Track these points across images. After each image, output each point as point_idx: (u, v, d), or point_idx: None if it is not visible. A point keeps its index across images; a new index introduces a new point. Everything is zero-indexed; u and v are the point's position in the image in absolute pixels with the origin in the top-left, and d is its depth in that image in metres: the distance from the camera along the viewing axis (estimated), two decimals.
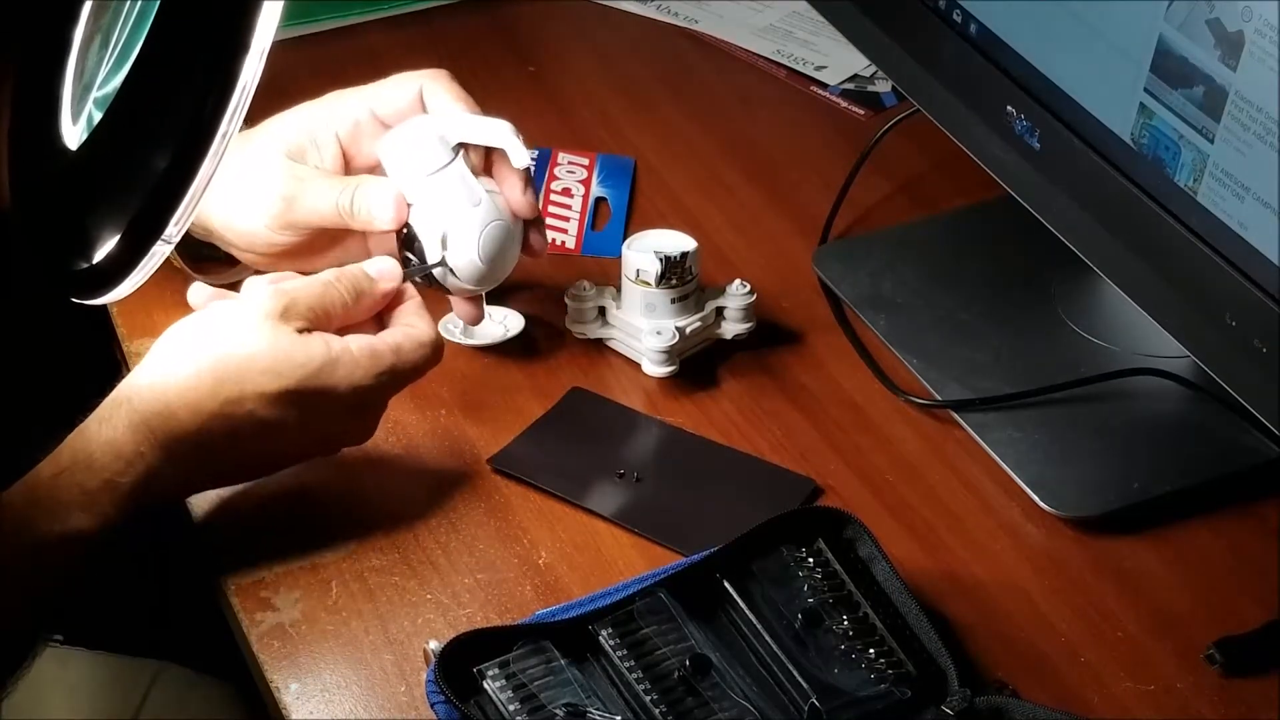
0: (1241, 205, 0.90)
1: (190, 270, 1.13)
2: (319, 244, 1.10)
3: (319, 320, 0.99)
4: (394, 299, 1.03)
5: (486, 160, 1.10)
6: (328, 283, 1.01)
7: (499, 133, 1.08)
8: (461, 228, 1.07)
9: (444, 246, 1.07)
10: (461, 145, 1.08)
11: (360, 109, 1.10)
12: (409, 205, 1.07)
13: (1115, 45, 0.96)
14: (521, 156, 1.07)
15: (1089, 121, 0.99)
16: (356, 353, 0.98)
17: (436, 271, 1.07)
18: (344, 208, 1.07)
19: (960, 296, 1.18)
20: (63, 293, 0.97)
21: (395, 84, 1.11)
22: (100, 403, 0.96)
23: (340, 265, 1.03)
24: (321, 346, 0.97)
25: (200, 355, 0.96)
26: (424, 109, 1.10)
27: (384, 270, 1.03)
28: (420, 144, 1.08)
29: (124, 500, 0.94)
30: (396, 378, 1.00)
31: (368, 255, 1.09)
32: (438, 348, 1.02)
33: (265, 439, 0.98)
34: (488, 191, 1.08)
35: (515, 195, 1.09)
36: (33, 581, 0.94)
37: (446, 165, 1.07)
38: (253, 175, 1.08)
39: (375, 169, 1.10)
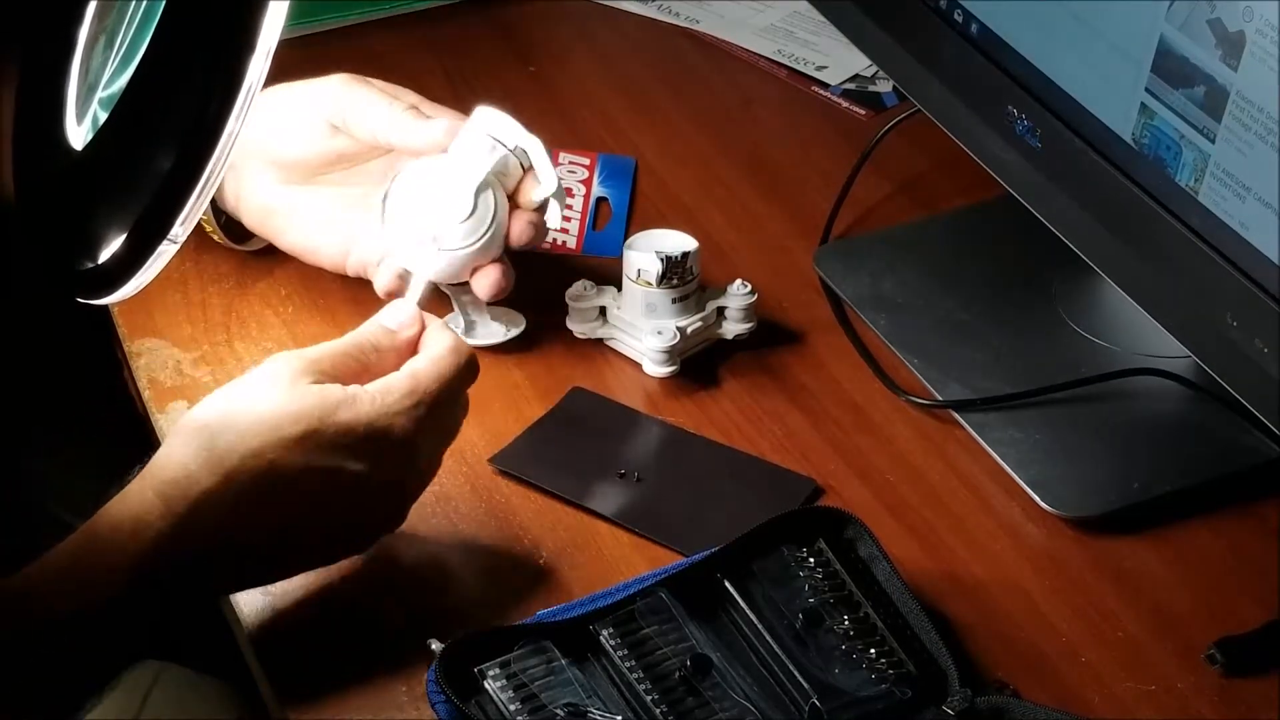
0: (1242, 205, 0.90)
1: (225, 239, 1.16)
2: (364, 154, 1.12)
3: (343, 379, 0.95)
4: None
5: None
6: (347, 343, 0.98)
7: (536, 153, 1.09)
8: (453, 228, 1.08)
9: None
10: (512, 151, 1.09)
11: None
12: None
13: (1116, 45, 0.96)
14: (549, 182, 1.09)
15: (1090, 121, 0.99)
16: (372, 389, 0.94)
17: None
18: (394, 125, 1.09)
19: (961, 296, 1.18)
20: (67, 293, 0.97)
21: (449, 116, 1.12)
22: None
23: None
24: (337, 389, 0.93)
25: (220, 422, 0.92)
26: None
27: (402, 320, 1.00)
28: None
29: (131, 572, 0.89)
30: (425, 402, 0.95)
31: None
32: (460, 352, 0.98)
33: (292, 499, 0.92)
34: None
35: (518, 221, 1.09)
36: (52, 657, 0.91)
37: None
38: (306, 91, 1.11)
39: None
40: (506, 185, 1.10)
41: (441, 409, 0.96)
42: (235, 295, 1.18)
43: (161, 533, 0.89)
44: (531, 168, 1.09)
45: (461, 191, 1.08)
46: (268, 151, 1.12)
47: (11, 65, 1.01)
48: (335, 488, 0.92)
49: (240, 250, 1.18)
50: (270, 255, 1.17)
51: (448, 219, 1.08)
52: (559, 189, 1.09)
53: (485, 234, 1.08)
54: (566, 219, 1.26)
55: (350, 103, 1.10)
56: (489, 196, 1.08)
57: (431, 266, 1.07)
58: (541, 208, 1.10)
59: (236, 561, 0.93)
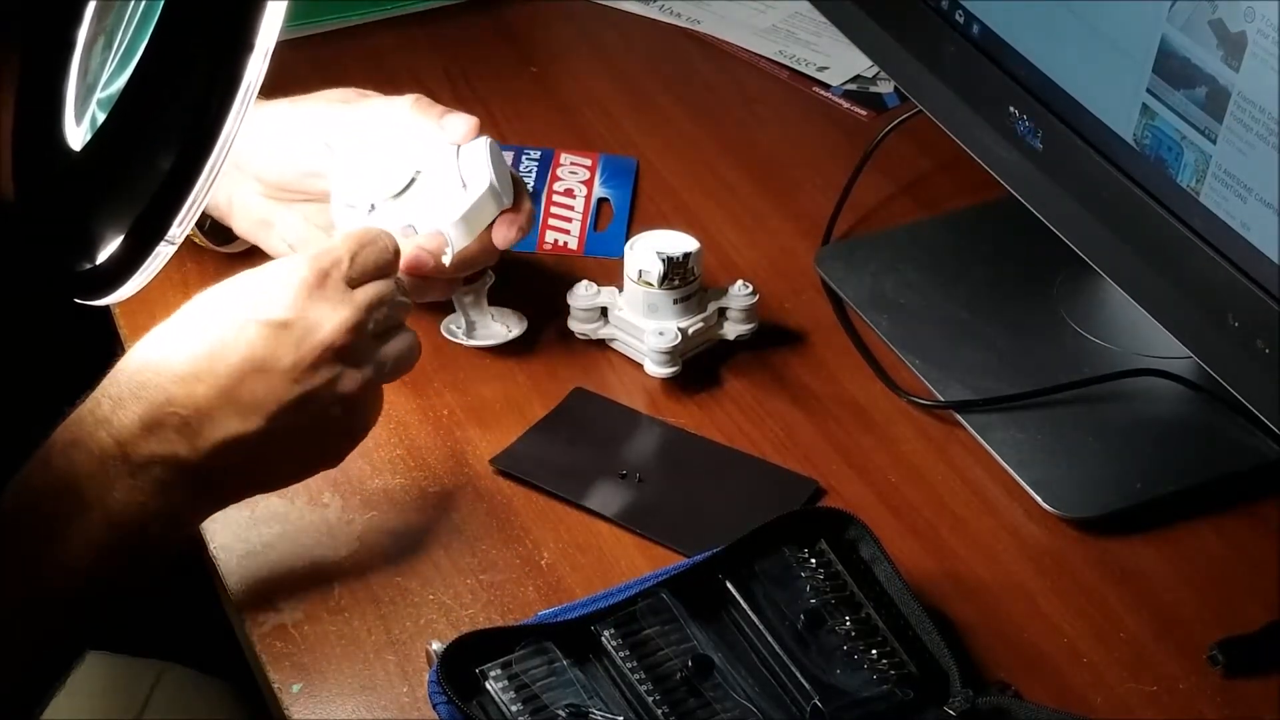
0: (1244, 206, 0.90)
1: (207, 241, 1.16)
2: None
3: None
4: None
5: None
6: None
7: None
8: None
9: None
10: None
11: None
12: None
13: (1118, 46, 0.96)
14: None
15: (1091, 122, 0.99)
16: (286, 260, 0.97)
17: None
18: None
19: (962, 297, 1.18)
20: (66, 293, 0.97)
21: (385, 104, 1.13)
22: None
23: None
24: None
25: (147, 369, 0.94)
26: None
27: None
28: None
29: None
30: (322, 264, 0.96)
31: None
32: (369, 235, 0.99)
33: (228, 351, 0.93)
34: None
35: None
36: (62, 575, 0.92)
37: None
38: (312, 110, 1.11)
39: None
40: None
41: (356, 281, 0.97)
42: None
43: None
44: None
45: (402, 162, 1.08)
46: (264, 170, 1.11)
47: (11, 65, 1.01)
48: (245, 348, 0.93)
49: (222, 252, 1.18)
50: (264, 256, 1.17)
51: (384, 186, 1.08)
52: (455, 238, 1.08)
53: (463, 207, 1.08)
54: (568, 219, 1.26)
55: (347, 122, 1.10)
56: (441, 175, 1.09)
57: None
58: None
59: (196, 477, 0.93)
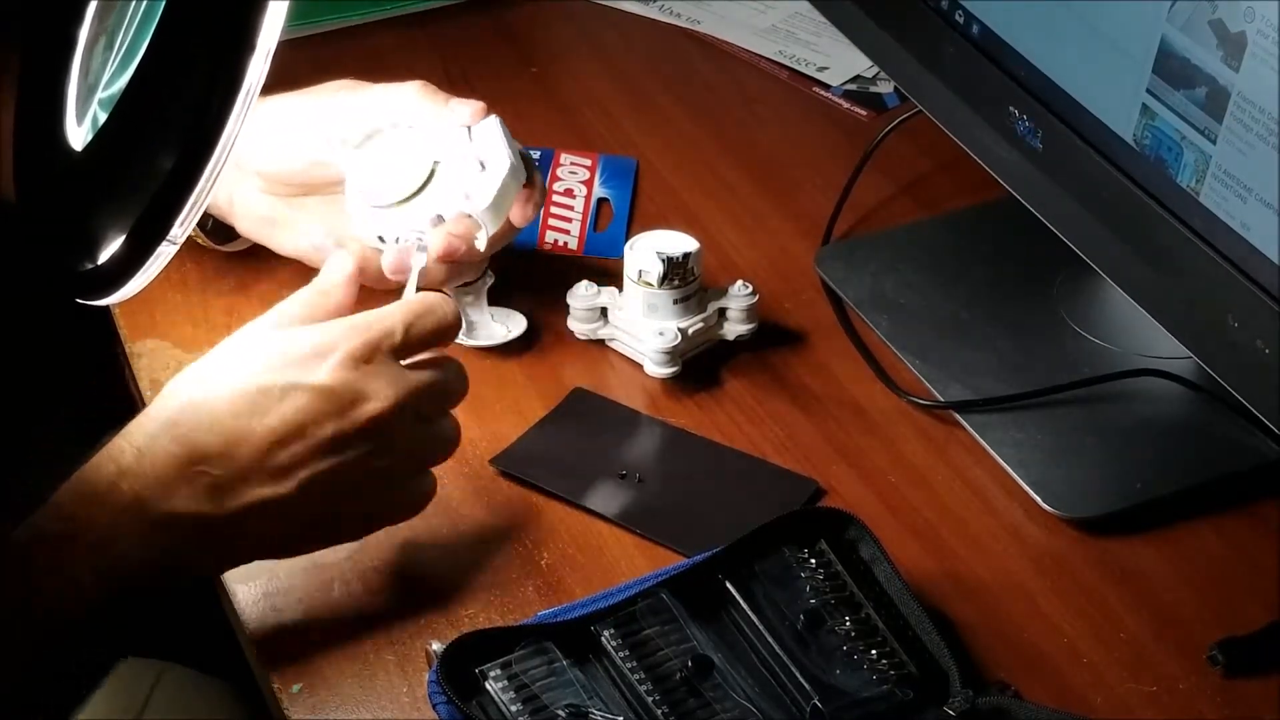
0: (1244, 206, 0.90)
1: (208, 240, 1.16)
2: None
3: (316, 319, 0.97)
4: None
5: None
6: (307, 288, 0.99)
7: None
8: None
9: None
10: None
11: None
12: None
13: (1117, 46, 0.96)
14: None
15: (1091, 122, 0.99)
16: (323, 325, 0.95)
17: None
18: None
19: (962, 297, 1.18)
20: (67, 293, 0.97)
21: (388, 91, 1.12)
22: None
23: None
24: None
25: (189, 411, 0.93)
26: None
27: (346, 261, 1.00)
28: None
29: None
30: (384, 339, 0.94)
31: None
32: (439, 306, 0.97)
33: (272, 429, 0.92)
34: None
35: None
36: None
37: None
38: (313, 102, 1.11)
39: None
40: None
41: (408, 352, 0.95)
42: (236, 296, 1.18)
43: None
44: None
45: (416, 163, 1.09)
46: (266, 165, 1.11)
47: (12, 65, 1.01)
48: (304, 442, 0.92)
49: (222, 250, 1.18)
50: (270, 256, 1.17)
51: (394, 188, 1.08)
52: (513, 167, 1.08)
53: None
54: (568, 219, 1.26)
55: (352, 110, 1.10)
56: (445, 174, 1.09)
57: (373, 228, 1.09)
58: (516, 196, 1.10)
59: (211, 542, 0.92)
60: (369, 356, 0.93)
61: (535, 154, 1.31)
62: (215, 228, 1.16)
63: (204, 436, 0.91)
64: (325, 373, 0.92)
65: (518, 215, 1.10)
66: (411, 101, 1.10)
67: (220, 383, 0.93)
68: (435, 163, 1.09)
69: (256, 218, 1.13)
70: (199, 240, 1.17)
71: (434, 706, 0.89)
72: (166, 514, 0.90)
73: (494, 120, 1.10)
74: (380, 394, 0.93)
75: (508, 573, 1.01)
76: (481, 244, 1.08)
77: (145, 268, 0.94)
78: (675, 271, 1.11)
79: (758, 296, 1.14)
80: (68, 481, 0.91)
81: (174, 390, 0.94)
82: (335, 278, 0.99)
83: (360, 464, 0.93)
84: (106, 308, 1.13)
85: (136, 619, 0.93)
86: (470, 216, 1.08)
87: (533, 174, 1.11)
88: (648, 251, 1.11)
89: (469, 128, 1.10)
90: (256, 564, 1.00)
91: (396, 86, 1.11)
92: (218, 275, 1.19)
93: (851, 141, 1.32)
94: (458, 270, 1.11)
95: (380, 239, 1.08)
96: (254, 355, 0.94)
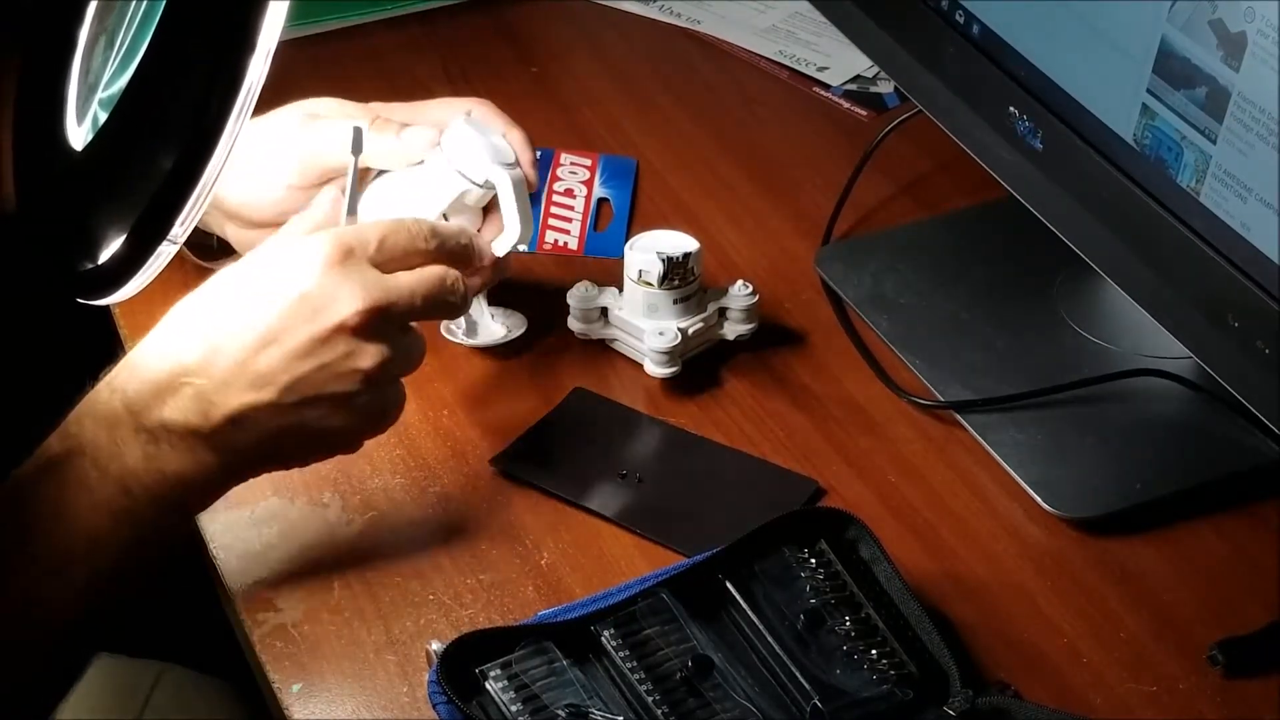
0: (1244, 206, 0.90)
1: (198, 260, 1.14)
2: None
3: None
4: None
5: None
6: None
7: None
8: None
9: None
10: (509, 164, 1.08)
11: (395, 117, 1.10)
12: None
13: (1118, 46, 0.96)
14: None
15: (1091, 122, 0.99)
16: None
17: None
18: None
19: (962, 297, 1.18)
20: (68, 293, 0.97)
21: (440, 107, 1.11)
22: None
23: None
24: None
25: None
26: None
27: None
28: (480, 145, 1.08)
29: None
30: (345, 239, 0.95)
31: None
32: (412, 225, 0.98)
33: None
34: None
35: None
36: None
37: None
38: (271, 137, 1.09)
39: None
40: (475, 205, 1.10)
41: (382, 264, 0.96)
42: None
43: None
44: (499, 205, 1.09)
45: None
46: (239, 210, 1.11)
47: (12, 65, 1.01)
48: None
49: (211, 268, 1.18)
50: None
51: None
52: (523, 232, 1.07)
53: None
54: (568, 219, 1.26)
55: (310, 141, 1.09)
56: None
57: None
58: (503, 255, 1.08)
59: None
60: (342, 261, 0.94)
61: (535, 154, 1.31)
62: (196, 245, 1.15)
63: (185, 346, 0.92)
64: (302, 278, 0.93)
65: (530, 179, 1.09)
66: (372, 144, 1.08)
67: (205, 304, 0.95)
68: (442, 202, 1.08)
69: (245, 244, 1.13)
70: (188, 258, 1.15)
71: (434, 706, 0.89)
72: (157, 423, 0.91)
73: (466, 135, 1.08)
74: (354, 296, 0.93)
75: (508, 573, 1.01)
76: (523, 246, 1.08)
77: (145, 267, 0.94)
78: (675, 271, 1.11)
79: (758, 296, 1.14)
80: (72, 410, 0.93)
81: (167, 318, 0.95)
82: (317, 215, 1.02)
83: (339, 364, 0.93)
84: (106, 308, 1.13)
85: (161, 549, 0.94)
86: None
87: (523, 156, 1.09)
88: (648, 251, 1.11)
89: (441, 145, 1.08)
90: (256, 564, 1.01)
91: (341, 125, 1.08)
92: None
93: (851, 141, 1.32)
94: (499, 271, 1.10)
95: None
96: (234, 276, 0.96)
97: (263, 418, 0.93)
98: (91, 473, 0.91)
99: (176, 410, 0.92)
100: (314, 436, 0.96)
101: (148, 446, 0.91)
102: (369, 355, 0.94)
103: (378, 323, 0.94)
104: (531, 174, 1.09)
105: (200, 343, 0.92)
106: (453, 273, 0.98)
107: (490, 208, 1.10)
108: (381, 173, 1.10)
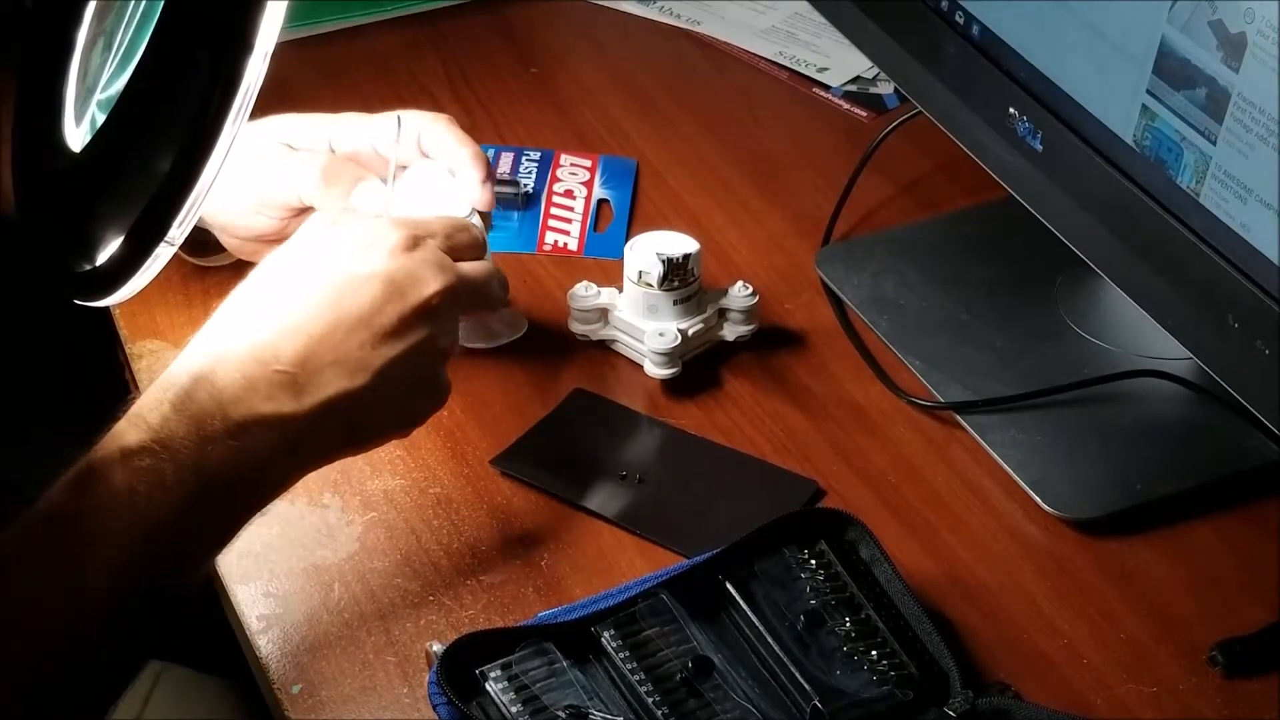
0: (1244, 207, 0.90)
1: (189, 257, 1.15)
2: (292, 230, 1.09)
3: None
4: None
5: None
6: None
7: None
8: None
9: None
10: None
11: (363, 139, 1.10)
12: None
13: (1117, 47, 0.96)
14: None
15: (1091, 123, 0.99)
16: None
17: None
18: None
19: (962, 298, 1.18)
20: (66, 295, 0.97)
21: (388, 120, 1.10)
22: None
23: None
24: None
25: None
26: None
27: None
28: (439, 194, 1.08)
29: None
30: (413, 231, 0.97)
31: None
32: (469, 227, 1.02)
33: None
34: None
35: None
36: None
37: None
38: (243, 157, 1.07)
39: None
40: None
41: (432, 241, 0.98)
42: None
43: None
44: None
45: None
46: (227, 228, 1.12)
47: (10, 67, 1.01)
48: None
49: (207, 265, 1.18)
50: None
51: None
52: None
53: None
54: (568, 220, 1.26)
55: (270, 176, 1.09)
56: None
57: None
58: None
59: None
60: (417, 245, 0.96)
61: (535, 154, 1.31)
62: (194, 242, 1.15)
63: (274, 337, 0.92)
64: (380, 261, 0.95)
65: (484, 202, 1.09)
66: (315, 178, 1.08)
67: (280, 284, 0.95)
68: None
69: (245, 252, 1.13)
70: (186, 258, 1.15)
71: (434, 707, 0.89)
72: (246, 416, 0.90)
73: (422, 172, 1.08)
74: (435, 277, 0.95)
75: (508, 573, 1.01)
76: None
77: (144, 268, 0.94)
78: (675, 272, 1.11)
79: (758, 297, 1.14)
80: (130, 399, 0.91)
81: (233, 300, 0.95)
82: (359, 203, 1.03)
83: (425, 346, 0.95)
84: (106, 308, 1.13)
85: (216, 549, 0.93)
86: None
87: (478, 167, 1.09)
88: (648, 252, 1.11)
89: (398, 185, 1.08)
90: (256, 564, 1.01)
91: (301, 160, 1.09)
92: (219, 276, 1.19)
93: (851, 142, 1.32)
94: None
95: None
96: (293, 260, 0.96)
97: (354, 403, 0.92)
98: (168, 467, 0.88)
99: (269, 402, 0.90)
100: (394, 417, 0.97)
101: (231, 441, 0.89)
102: (447, 334, 0.96)
103: (451, 303, 0.96)
104: (487, 194, 1.09)
105: (289, 331, 0.92)
106: (499, 269, 1.02)
107: None
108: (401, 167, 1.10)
